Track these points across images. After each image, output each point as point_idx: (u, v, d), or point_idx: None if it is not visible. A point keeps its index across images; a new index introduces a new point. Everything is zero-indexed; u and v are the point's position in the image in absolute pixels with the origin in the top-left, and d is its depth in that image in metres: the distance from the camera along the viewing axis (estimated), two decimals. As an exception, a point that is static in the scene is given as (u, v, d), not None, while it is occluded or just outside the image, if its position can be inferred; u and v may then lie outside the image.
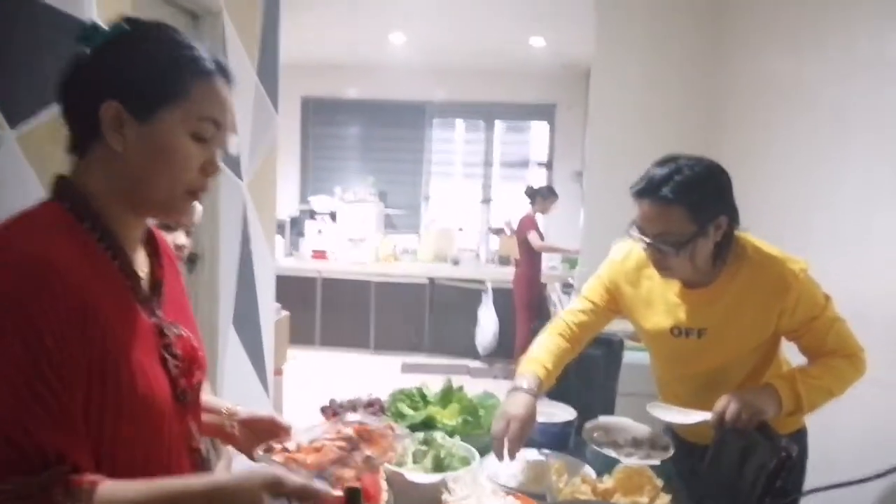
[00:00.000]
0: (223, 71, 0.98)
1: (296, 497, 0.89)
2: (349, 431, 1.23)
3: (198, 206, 1.73)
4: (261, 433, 1.22)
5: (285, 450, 1.20)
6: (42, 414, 0.80)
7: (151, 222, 1.10)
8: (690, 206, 1.53)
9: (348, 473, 1.12)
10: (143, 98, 0.91)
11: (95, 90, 0.91)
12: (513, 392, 1.64)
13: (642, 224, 1.59)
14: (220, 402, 1.26)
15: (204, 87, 0.95)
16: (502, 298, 6.05)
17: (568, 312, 1.87)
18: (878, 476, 1.23)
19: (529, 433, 1.59)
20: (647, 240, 1.58)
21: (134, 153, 0.92)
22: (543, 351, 1.77)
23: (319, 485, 0.94)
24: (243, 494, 0.87)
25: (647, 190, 1.56)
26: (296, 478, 0.91)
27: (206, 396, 1.18)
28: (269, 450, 1.19)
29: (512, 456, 1.54)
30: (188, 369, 1.02)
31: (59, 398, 0.82)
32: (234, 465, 1.68)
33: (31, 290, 0.81)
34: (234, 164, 3.39)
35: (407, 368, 5.95)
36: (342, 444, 1.17)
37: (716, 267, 1.63)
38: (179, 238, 1.68)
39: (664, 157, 1.60)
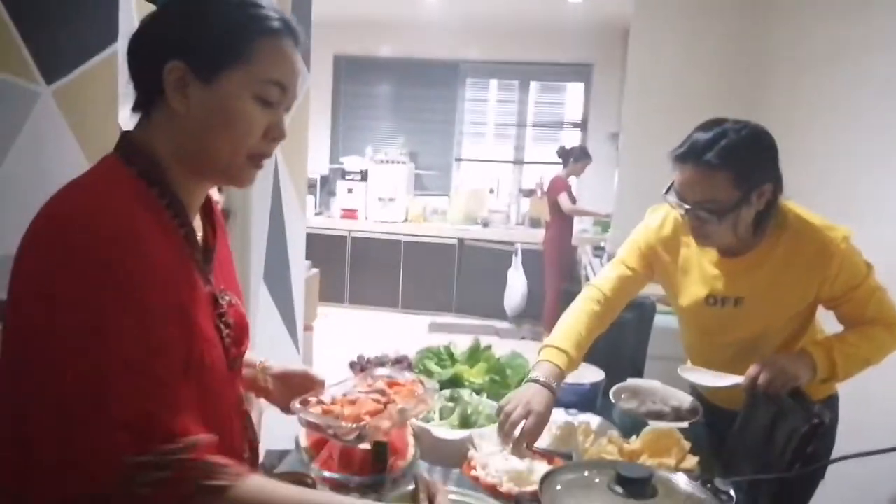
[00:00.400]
0: (290, 30, 0.94)
1: None
2: (381, 385, 1.24)
3: None
4: (294, 387, 1.23)
5: (321, 402, 1.22)
6: (162, 394, 0.80)
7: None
8: (736, 172, 1.46)
9: (385, 424, 1.13)
10: (207, 59, 0.88)
11: (160, 50, 0.89)
12: (530, 383, 1.51)
13: (682, 190, 1.53)
14: (253, 356, 1.27)
15: (269, 47, 0.91)
16: (532, 261, 6.02)
17: (603, 279, 1.77)
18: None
19: (543, 428, 1.46)
20: (687, 206, 1.52)
21: (197, 116, 0.89)
22: (567, 332, 1.65)
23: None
24: None
25: (691, 154, 1.49)
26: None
27: None
28: (305, 403, 1.22)
29: (519, 451, 1.38)
30: (239, 338, 1.02)
31: (172, 376, 0.82)
32: (264, 418, 1.71)
33: (133, 265, 0.80)
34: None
35: (435, 328, 5.99)
36: (375, 396, 1.19)
37: (756, 236, 1.57)
38: (213, 194, 1.68)
39: (709, 121, 1.53)
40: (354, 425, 1.18)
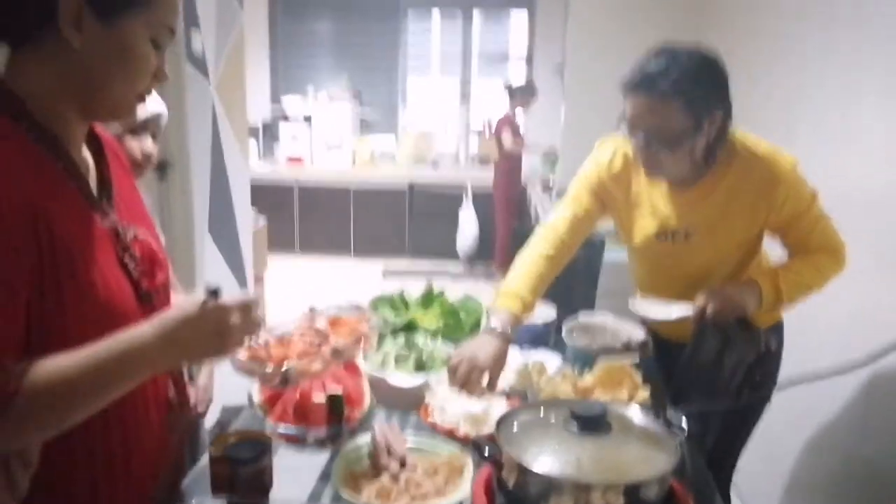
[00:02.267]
0: None
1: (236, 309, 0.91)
2: (321, 323, 1.22)
3: (164, 112, 1.65)
4: None
5: (251, 346, 1.19)
6: None
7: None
8: (689, 100, 1.44)
9: (315, 366, 1.11)
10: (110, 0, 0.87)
11: None
12: (485, 333, 1.51)
13: (634, 120, 1.50)
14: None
15: None
16: (483, 201, 6.01)
17: (556, 220, 1.74)
18: (849, 370, 1.25)
19: (498, 377, 1.47)
20: (639, 137, 1.51)
21: (92, 52, 0.88)
22: (523, 277, 1.63)
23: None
24: (183, 302, 0.89)
25: (642, 83, 1.46)
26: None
27: (173, 298, 1.16)
28: None
29: (469, 394, 1.42)
30: (149, 270, 1.01)
31: None
32: (217, 373, 1.68)
33: None
34: (200, 64, 3.23)
35: (389, 275, 5.98)
36: (311, 336, 1.16)
37: (706, 165, 1.56)
38: (147, 145, 1.60)
39: (660, 48, 1.50)
40: (279, 368, 1.15)
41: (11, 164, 0.83)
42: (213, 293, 0.90)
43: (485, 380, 1.43)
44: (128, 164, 1.14)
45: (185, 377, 1.16)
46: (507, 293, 1.60)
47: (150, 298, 1.00)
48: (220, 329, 0.90)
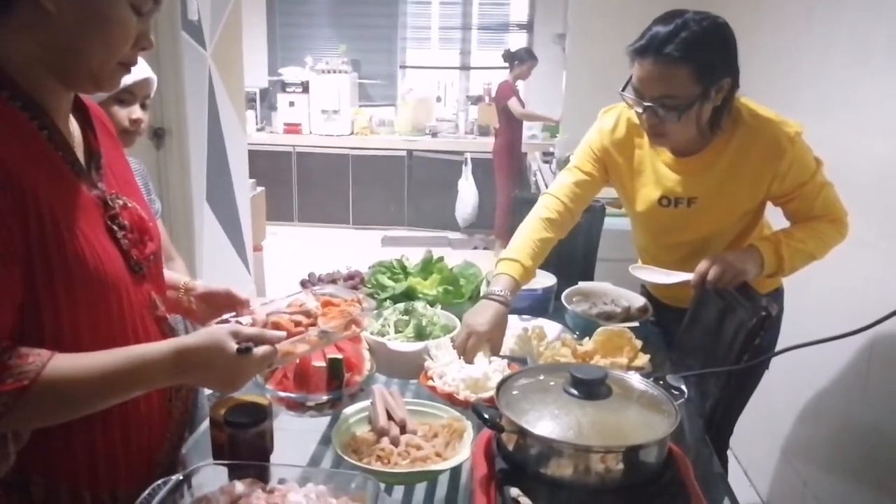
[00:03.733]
0: None
1: (253, 341, 0.94)
2: (312, 305, 1.20)
3: (153, 78, 1.62)
4: (219, 306, 1.20)
5: (238, 323, 1.17)
6: None
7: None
8: (697, 66, 1.42)
9: (301, 348, 1.10)
10: None
11: None
12: (484, 300, 1.54)
13: (641, 86, 1.47)
14: (178, 276, 1.24)
15: None
16: (482, 169, 5.98)
17: (559, 186, 1.74)
18: (849, 334, 1.25)
19: (500, 342, 1.52)
20: (646, 103, 1.48)
21: (69, 17, 0.85)
22: (524, 242, 1.65)
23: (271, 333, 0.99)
24: (212, 346, 0.90)
25: (650, 48, 1.43)
26: (250, 329, 0.97)
27: (165, 272, 1.16)
28: (223, 323, 1.16)
29: (468, 361, 1.44)
30: (139, 240, 1.01)
31: None
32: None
33: None
34: (196, 31, 3.19)
35: (388, 242, 5.97)
36: (299, 318, 1.15)
37: (712, 133, 1.55)
38: (135, 112, 1.58)
39: (668, 12, 1.47)
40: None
41: None
42: (245, 350, 0.92)
43: (486, 347, 1.45)
44: (115, 133, 1.12)
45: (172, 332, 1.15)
46: (508, 259, 1.62)
47: (140, 268, 0.99)
48: (237, 377, 0.93)
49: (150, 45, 0.93)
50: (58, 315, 0.86)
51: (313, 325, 1.14)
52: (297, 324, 1.12)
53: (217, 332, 0.92)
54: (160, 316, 1.05)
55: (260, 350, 0.94)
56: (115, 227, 0.96)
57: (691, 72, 1.42)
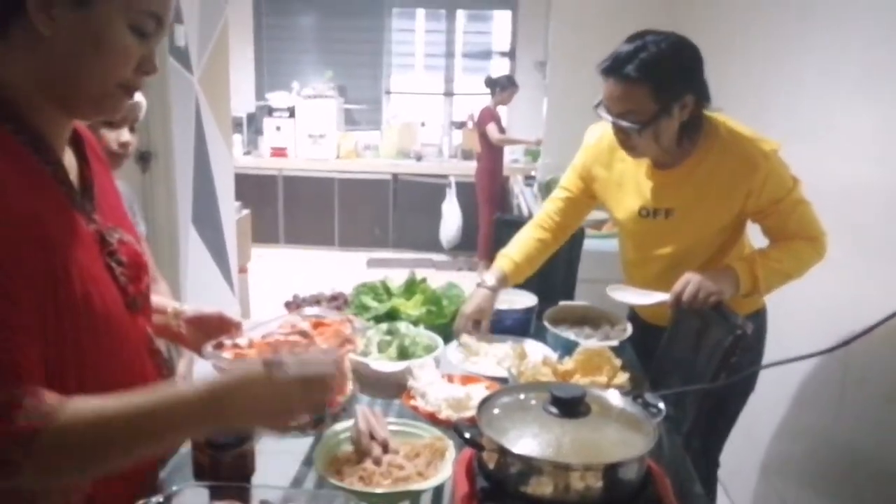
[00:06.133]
0: None
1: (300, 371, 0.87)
2: (305, 325, 1.21)
3: (142, 102, 1.64)
4: (210, 330, 1.18)
5: (236, 346, 1.17)
6: None
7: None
8: (654, 84, 1.50)
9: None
10: None
11: None
12: (476, 288, 1.78)
13: (608, 102, 1.58)
14: (165, 301, 1.23)
15: None
16: (466, 192, 6.02)
17: (548, 202, 1.91)
18: (824, 352, 1.28)
19: (488, 319, 1.76)
20: (612, 118, 1.57)
21: (65, 41, 0.82)
22: (516, 244, 1.86)
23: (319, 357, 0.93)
24: (245, 375, 0.85)
25: (612, 68, 1.54)
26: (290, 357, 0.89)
27: (152, 297, 1.14)
28: (219, 346, 1.16)
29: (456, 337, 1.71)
30: (136, 276, 0.98)
31: (11, 313, 0.76)
32: (195, 367, 1.68)
33: None
34: (183, 57, 3.22)
35: (373, 263, 5.98)
36: (296, 338, 1.15)
37: (683, 147, 1.62)
38: (124, 135, 1.59)
39: (634, 34, 1.57)
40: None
41: (10, 174, 0.80)
42: (275, 364, 0.86)
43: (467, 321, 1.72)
44: (105, 159, 1.09)
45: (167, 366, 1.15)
46: (502, 254, 1.85)
47: (136, 305, 0.97)
48: (285, 404, 0.88)
49: (153, 70, 0.90)
50: (64, 352, 0.83)
51: (309, 345, 1.15)
52: (295, 344, 1.13)
53: (248, 361, 0.88)
54: (154, 349, 1.04)
55: (296, 364, 0.87)
56: (114, 264, 0.93)
57: (649, 90, 1.51)
